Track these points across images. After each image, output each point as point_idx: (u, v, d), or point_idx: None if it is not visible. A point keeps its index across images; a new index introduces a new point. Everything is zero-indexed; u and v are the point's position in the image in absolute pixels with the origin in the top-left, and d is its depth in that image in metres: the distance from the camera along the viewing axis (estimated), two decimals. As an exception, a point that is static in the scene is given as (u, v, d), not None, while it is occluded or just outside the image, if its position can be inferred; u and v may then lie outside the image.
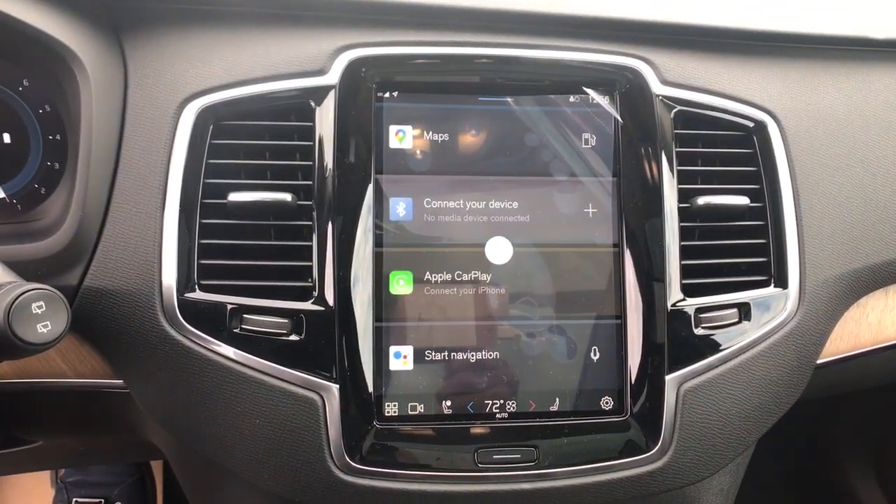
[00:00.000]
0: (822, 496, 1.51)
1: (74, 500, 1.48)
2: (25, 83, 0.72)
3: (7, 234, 0.70)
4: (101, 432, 0.93)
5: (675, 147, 0.76)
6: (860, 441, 1.43)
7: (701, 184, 0.77)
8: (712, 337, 0.74)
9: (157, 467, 1.59)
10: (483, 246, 0.73)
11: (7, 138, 0.73)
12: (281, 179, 0.71)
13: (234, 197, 0.69)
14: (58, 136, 0.73)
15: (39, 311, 0.53)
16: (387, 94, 0.73)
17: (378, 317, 0.71)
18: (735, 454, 0.77)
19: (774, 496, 1.55)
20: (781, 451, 1.50)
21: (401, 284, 0.72)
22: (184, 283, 0.68)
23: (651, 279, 0.73)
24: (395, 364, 0.71)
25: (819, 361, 0.82)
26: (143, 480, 1.59)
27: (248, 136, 0.71)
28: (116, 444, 1.04)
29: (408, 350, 0.71)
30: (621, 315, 0.74)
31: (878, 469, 1.41)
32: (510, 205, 0.74)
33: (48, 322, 0.53)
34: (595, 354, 0.74)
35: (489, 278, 0.73)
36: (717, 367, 0.74)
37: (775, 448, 1.47)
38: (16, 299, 0.52)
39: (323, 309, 0.69)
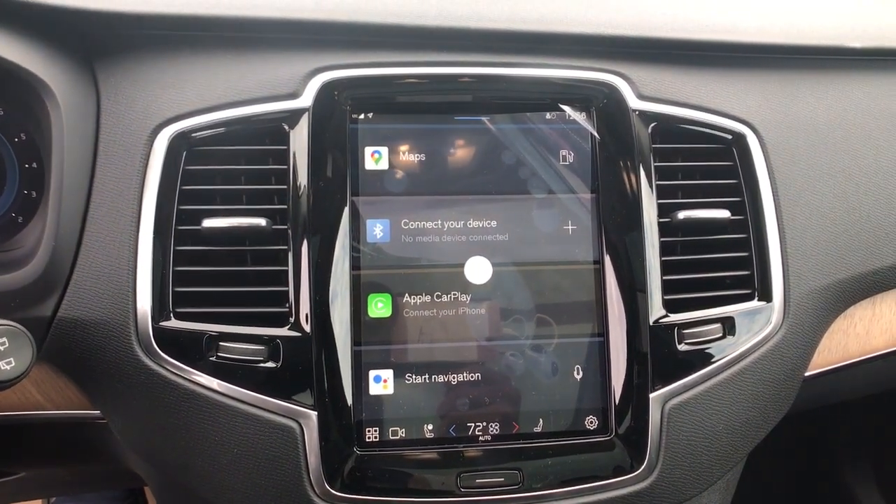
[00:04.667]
0: (821, 501, 1.50)
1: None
2: (0, 112, 0.72)
3: (-19, 266, 0.69)
4: (83, 462, 0.92)
5: (654, 161, 0.75)
6: (859, 445, 1.42)
7: (681, 198, 0.76)
8: (696, 352, 0.73)
9: (149, 491, 1.57)
10: (462, 266, 0.72)
11: (-18, 168, 0.72)
12: (256, 204, 0.70)
13: (209, 223, 0.68)
14: (34, 165, 0.72)
15: (2, 348, 0.52)
16: (361, 116, 0.73)
17: (357, 340, 0.70)
18: (724, 471, 0.76)
19: (773, 501, 1.54)
20: (780, 459, 1.49)
21: (379, 307, 0.71)
22: (158, 312, 0.67)
23: (633, 295, 0.72)
24: (374, 388, 0.70)
25: (807, 374, 0.81)
26: (136, 504, 1.58)
27: (222, 161, 0.70)
28: (101, 473, 1.02)
29: (388, 374, 0.70)
30: (604, 332, 0.73)
31: (878, 473, 1.39)
32: (489, 224, 0.73)
33: (11, 358, 0.52)
34: (578, 373, 0.73)
35: (469, 298, 0.72)
36: (702, 383, 0.73)
37: (773, 456, 1.45)
38: (-23, 336, 0.51)
39: (299, 335, 0.68)
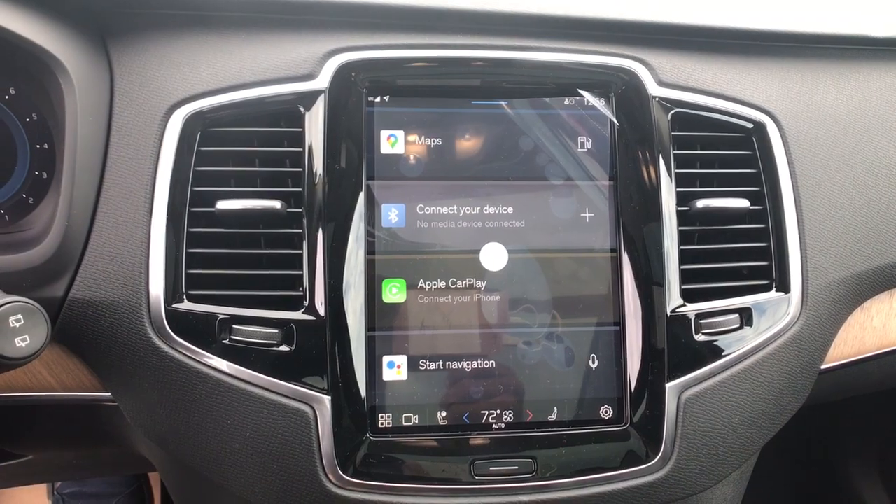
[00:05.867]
0: (826, 499, 1.50)
1: (71, 511, 1.47)
2: (12, 91, 0.71)
3: (-7, 245, 0.69)
4: (92, 445, 0.92)
5: (673, 149, 0.74)
6: (865, 443, 1.41)
7: (700, 186, 0.75)
8: (713, 343, 0.73)
9: (154, 478, 1.58)
10: (478, 252, 0.72)
11: (-7, 148, 0.71)
12: (270, 186, 0.69)
13: (223, 205, 0.68)
14: (45, 145, 0.72)
15: (17, 325, 0.51)
16: (378, 99, 0.72)
17: (371, 326, 0.69)
18: (738, 463, 0.76)
19: (778, 499, 1.53)
20: (785, 453, 1.48)
21: (394, 292, 0.70)
22: (171, 294, 0.66)
23: (650, 285, 0.72)
24: (388, 374, 0.70)
25: (823, 367, 0.80)
26: (140, 491, 1.58)
27: (237, 142, 0.70)
28: (109, 457, 1.02)
29: (401, 359, 0.70)
30: (620, 322, 0.72)
31: (883, 472, 1.39)
32: (505, 210, 0.72)
33: (27, 336, 0.51)
34: (594, 362, 0.72)
35: (484, 285, 0.71)
36: (718, 374, 0.72)
37: (779, 451, 1.45)
38: (-8, 313, 0.51)
39: (314, 318, 0.67)
